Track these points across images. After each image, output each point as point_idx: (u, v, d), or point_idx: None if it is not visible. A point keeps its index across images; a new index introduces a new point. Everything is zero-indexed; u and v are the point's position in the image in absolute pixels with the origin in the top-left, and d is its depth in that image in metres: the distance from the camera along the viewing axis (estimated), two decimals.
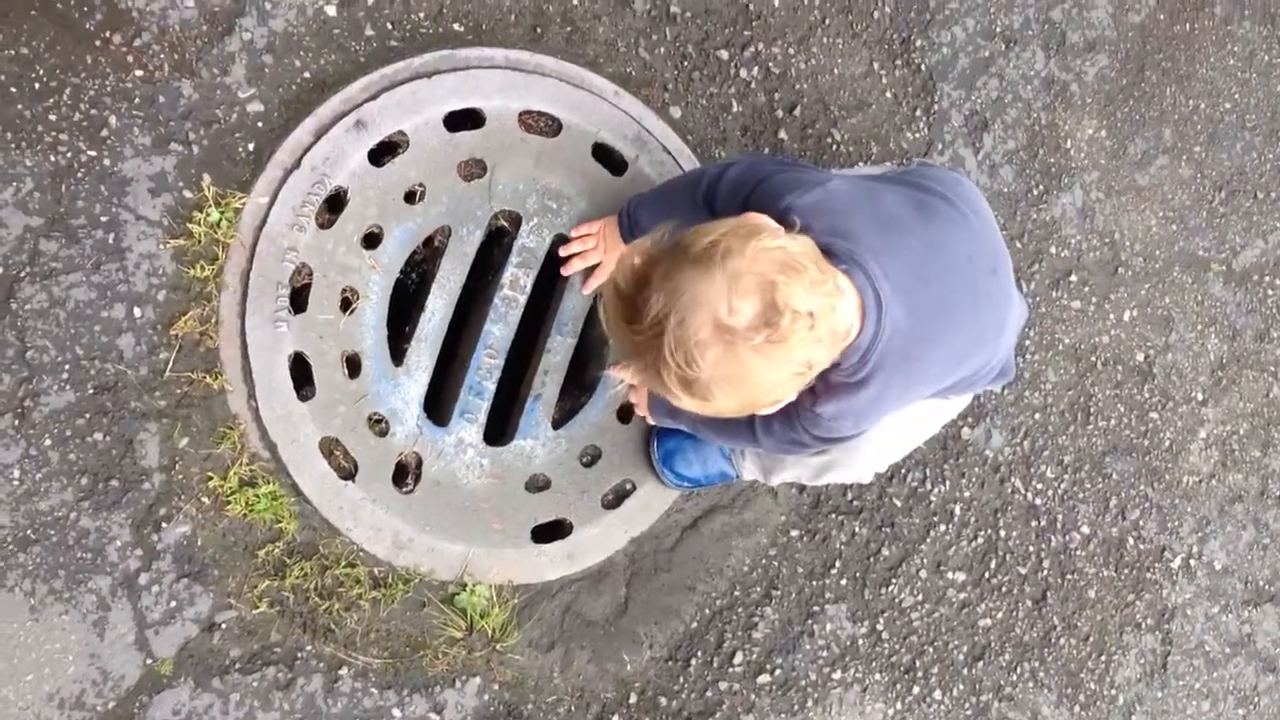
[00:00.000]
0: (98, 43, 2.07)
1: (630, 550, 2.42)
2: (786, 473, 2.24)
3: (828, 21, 2.57)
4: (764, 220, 1.57)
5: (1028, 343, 2.73)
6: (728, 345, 1.46)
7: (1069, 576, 2.71)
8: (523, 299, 2.35)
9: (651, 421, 2.31)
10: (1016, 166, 2.72)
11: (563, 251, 2.33)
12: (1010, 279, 1.89)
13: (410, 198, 2.28)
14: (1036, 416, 2.74)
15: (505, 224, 2.37)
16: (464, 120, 2.32)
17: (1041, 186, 2.74)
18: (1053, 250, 2.75)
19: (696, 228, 1.54)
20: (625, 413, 2.43)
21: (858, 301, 1.59)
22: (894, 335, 1.63)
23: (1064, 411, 2.77)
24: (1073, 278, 2.77)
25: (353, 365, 2.24)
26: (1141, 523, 2.80)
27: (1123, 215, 2.82)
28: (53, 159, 2.04)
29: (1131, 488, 2.79)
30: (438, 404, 2.34)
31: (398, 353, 2.27)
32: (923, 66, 2.64)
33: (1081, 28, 2.77)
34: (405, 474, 2.29)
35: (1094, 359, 2.79)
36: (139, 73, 2.10)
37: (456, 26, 2.32)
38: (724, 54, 2.50)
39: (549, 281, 2.42)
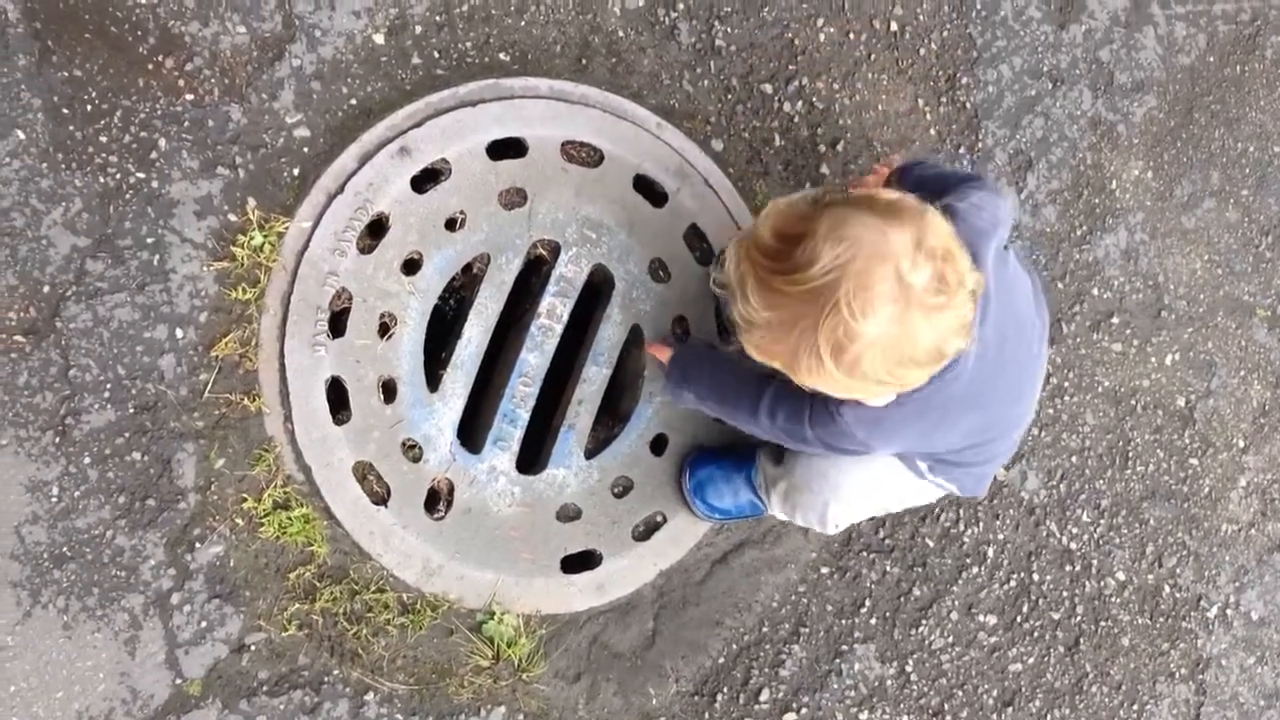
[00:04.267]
0: (150, 66, 2.11)
1: (659, 583, 2.43)
2: (776, 499, 2.26)
3: (873, 57, 2.58)
4: None
5: (1065, 384, 2.72)
6: (903, 303, 1.45)
7: (1103, 623, 2.70)
8: (559, 328, 2.37)
9: (665, 359, 2.32)
10: (1060, 206, 2.71)
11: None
12: (1037, 391, 1.91)
13: (451, 225, 2.30)
14: (1073, 459, 2.73)
15: (544, 253, 2.39)
16: (507, 149, 2.35)
17: (1085, 227, 2.73)
18: (1095, 291, 2.74)
19: (865, 189, 1.53)
20: (658, 444, 2.44)
21: None
22: (958, 376, 1.63)
23: (1102, 455, 2.75)
24: (1114, 320, 2.76)
25: (389, 390, 2.26)
26: (1178, 570, 2.77)
27: (1167, 258, 2.80)
28: (102, 180, 2.08)
29: (1169, 534, 2.77)
30: (471, 431, 2.36)
31: (433, 379, 2.30)
32: (968, 104, 2.65)
33: (1130, 68, 2.76)
34: (437, 500, 2.31)
35: (1134, 403, 2.77)
36: (189, 97, 2.14)
37: (503, 56, 2.34)
38: (768, 88, 2.52)
39: (586, 311, 2.43)
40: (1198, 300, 2.81)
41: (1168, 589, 2.76)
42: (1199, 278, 2.82)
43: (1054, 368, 2.69)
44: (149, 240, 2.10)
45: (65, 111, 2.06)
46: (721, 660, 2.45)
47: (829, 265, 1.44)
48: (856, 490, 2.04)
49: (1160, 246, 2.80)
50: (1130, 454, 2.78)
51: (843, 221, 1.46)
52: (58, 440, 2.04)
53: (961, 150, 2.64)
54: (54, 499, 2.04)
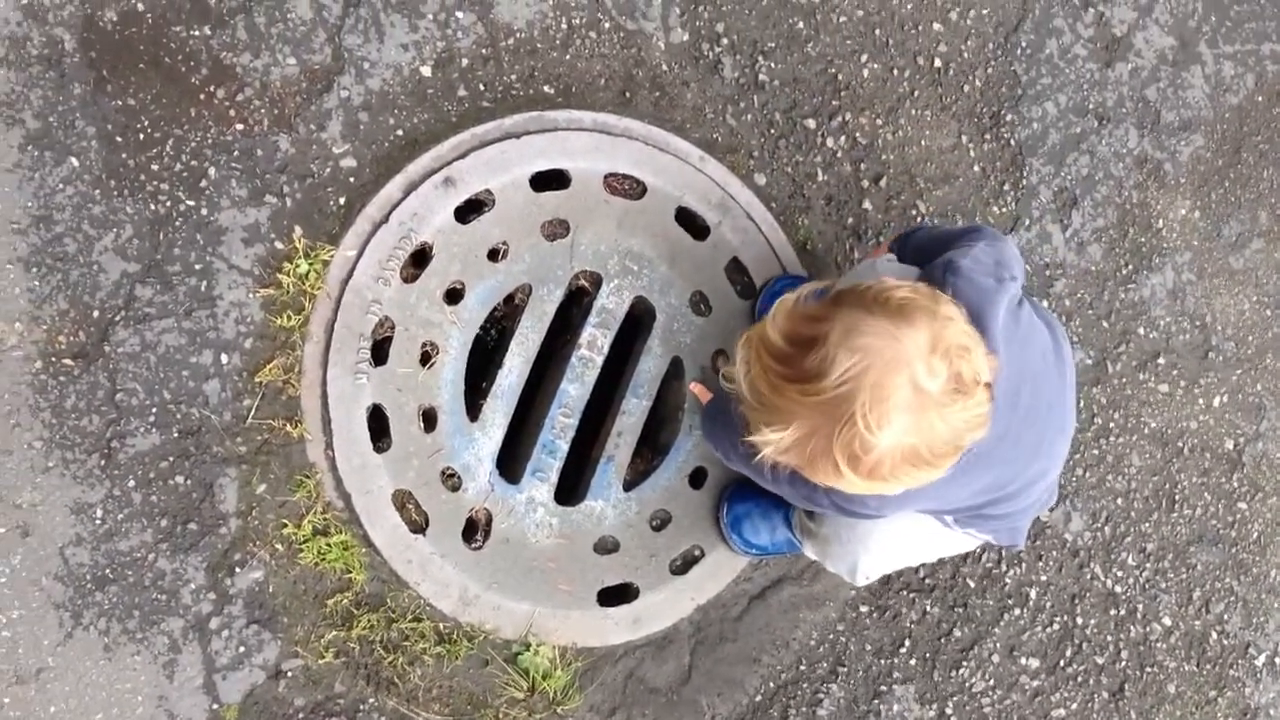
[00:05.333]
0: (202, 96, 2.16)
1: (696, 618, 2.42)
2: (809, 545, 2.24)
3: (917, 94, 2.58)
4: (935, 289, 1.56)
5: (1111, 424, 2.69)
6: (919, 410, 1.43)
7: (1148, 669, 2.65)
8: (600, 359, 2.37)
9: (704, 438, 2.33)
10: (1105, 245, 2.69)
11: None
12: (1064, 454, 1.88)
13: (493, 255, 2.32)
14: (1119, 501, 2.69)
15: (586, 284, 2.40)
16: (550, 181, 2.37)
17: (1131, 266, 2.71)
18: (1141, 331, 2.71)
19: (877, 282, 1.50)
20: (697, 478, 2.43)
21: None
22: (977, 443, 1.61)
23: (1148, 498, 2.71)
24: (1161, 360, 2.72)
25: (429, 419, 2.27)
26: (1226, 617, 2.72)
27: (1215, 298, 2.77)
28: (153, 207, 2.11)
29: (1216, 580, 2.72)
30: (511, 461, 2.37)
31: (474, 408, 2.31)
32: (1012, 141, 2.64)
33: (1177, 107, 2.75)
34: (475, 530, 2.31)
35: (1181, 445, 2.73)
36: (239, 126, 2.17)
37: (547, 89, 2.37)
38: (811, 122, 2.52)
39: (627, 343, 2.44)
40: (1246, 341, 2.78)
41: (1215, 635, 2.71)
42: (1247, 319, 2.78)
43: (1099, 408, 2.66)
44: (197, 267, 2.13)
45: (118, 140, 2.10)
46: (759, 698, 2.43)
47: (843, 376, 1.41)
48: (886, 544, 2.02)
49: (1208, 287, 2.77)
50: (1177, 497, 2.73)
51: (855, 328, 1.43)
52: (103, 463, 2.07)
53: (1005, 187, 2.63)
54: (98, 521, 2.06)
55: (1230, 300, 2.78)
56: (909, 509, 1.82)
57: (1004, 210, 2.63)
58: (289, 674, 2.15)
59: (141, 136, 2.12)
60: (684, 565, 2.43)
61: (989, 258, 1.74)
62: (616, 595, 2.38)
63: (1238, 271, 2.78)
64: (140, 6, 2.12)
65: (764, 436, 1.50)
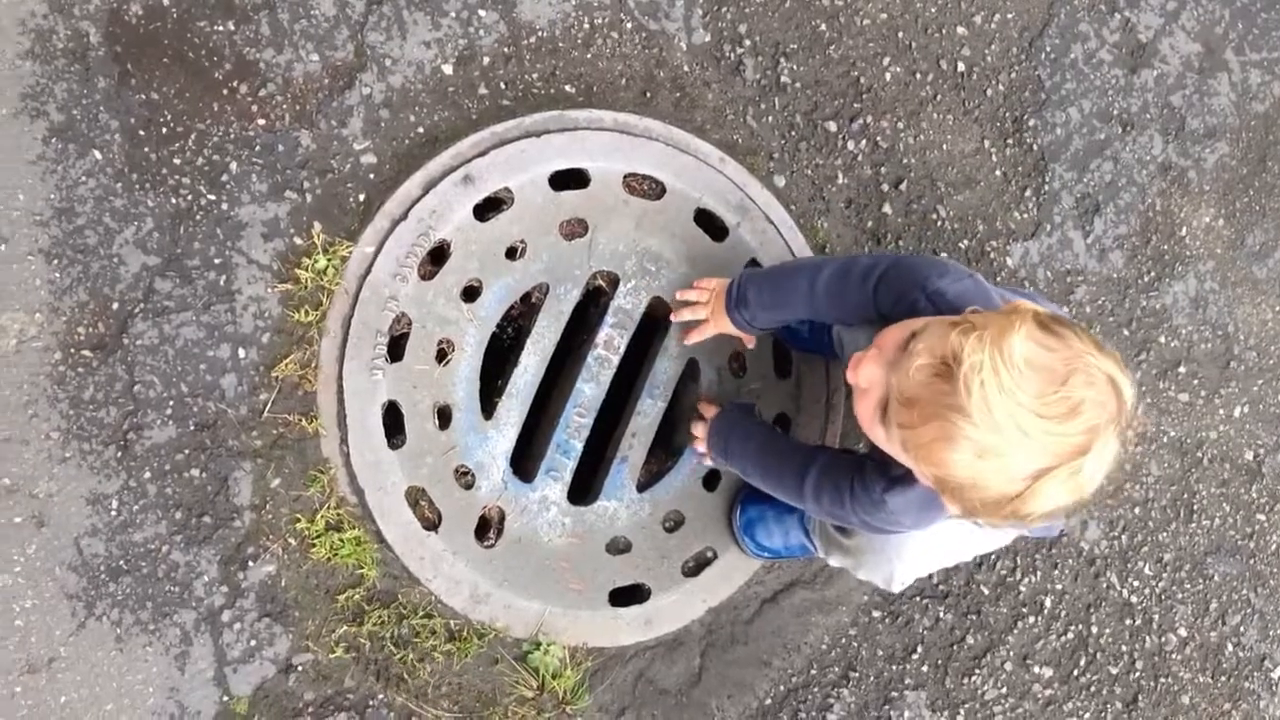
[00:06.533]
0: (225, 91, 2.16)
1: (707, 620, 2.41)
2: (836, 555, 2.21)
3: (939, 98, 2.56)
4: None
5: (1129, 433, 2.65)
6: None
7: (1163, 680, 2.62)
8: (616, 359, 2.36)
9: (709, 462, 2.31)
10: (1127, 252, 2.66)
11: (679, 295, 2.32)
12: None
13: (511, 254, 2.31)
14: (1136, 510, 2.66)
15: (603, 284, 2.40)
16: (569, 180, 2.36)
17: (1153, 273, 2.68)
18: (1162, 340, 2.68)
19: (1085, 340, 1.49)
20: (710, 480, 2.42)
21: None
22: None
23: (1165, 507, 2.69)
24: (1181, 369, 2.69)
25: (444, 416, 2.27)
26: (1242, 629, 2.69)
27: (1237, 307, 2.74)
28: (174, 201, 2.12)
29: (1234, 591, 2.69)
30: (524, 460, 2.36)
31: (489, 406, 2.30)
32: (1035, 146, 2.62)
33: (1202, 114, 2.72)
34: (488, 528, 2.31)
35: (1200, 454, 2.71)
36: (261, 122, 2.17)
37: (568, 88, 2.36)
38: (832, 125, 2.51)
39: (643, 343, 2.43)
40: (1268, 352, 2.74)
41: (1230, 647, 2.68)
42: (1270, 329, 2.75)
43: (1137, 418, 2.63)
44: (216, 261, 2.13)
45: (141, 133, 2.11)
46: (769, 701, 2.41)
47: (1087, 425, 1.41)
48: (920, 550, 1.99)
49: (1230, 296, 2.74)
50: (1195, 507, 2.71)
51: (1092, 375, 1.43)
52: (119, 455, 2.07)
53: (1027, 193, 2.60)
54: (113, 512, 2.06)
55: (1253, 310, 2.75)
56: (938, 523, 1.81)
57: (1025, 215, 2.61)
58: (299, 668, 2.15)
59: (164, 130, 2.12)
60: (696, 567, 2.42)
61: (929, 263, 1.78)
62: (628, 596, 2.37)
63: (1261, 281, 2.74)
64: (165, 1, 2.12)
65: (914, 426, 1.49)
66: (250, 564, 2.13)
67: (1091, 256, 2.64)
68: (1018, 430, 1.39)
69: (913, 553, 1.98)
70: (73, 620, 2.04)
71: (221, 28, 2.16)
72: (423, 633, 2.22)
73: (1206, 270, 2.72)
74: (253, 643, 2.13)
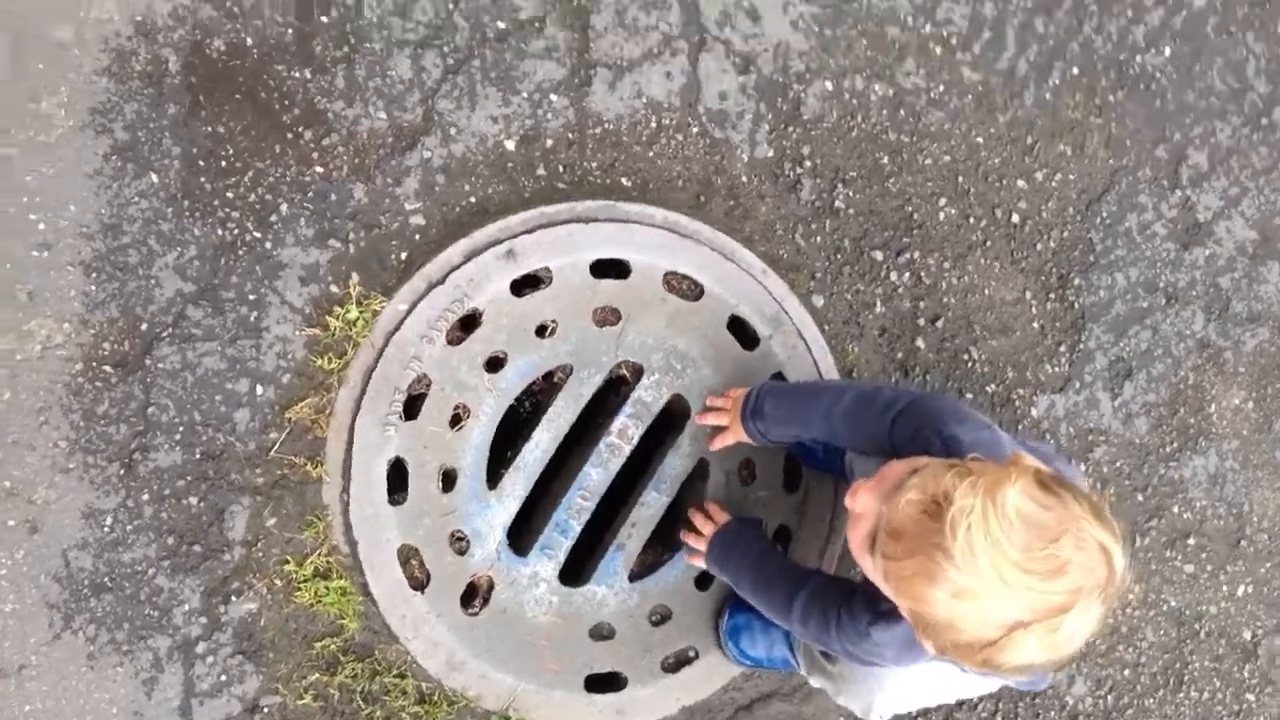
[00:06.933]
0: (289, 135, 2.01)
1: (681, 718, 2.18)
2: (818, 676, 2.03)
3: (989, 244, 2.34)
4: None
5: (1130, 596, 2.42)
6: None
7: None
8: (628, 449, 2.17)
9: (701, 563, 2.11)
10: (1153, 420, 2.42)
11: (708, 401, 2.16)
12: None
13: (541, 331, 2.13)
14: (1127, 673, 2.41)
15: (626, 374, 2.21)
16: (610, 269, 2.18)
17: (1176, 444, 2.43)
18: (1175, 509, 2.44)
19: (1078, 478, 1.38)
20: (703, 580, 2.22)
21: None
22: None
23: (1156, 674, 2.43)
24: (1191, 541, 2.44)
25: (448, 480, 2.08)
26: None
27: (1255, 489, 2.49)
28: (220, 233, 1.96)
29: None
30: (521, 534, 2.17)
31: (494, 477, 2.12)
32: (1076, 304, 2.39)
33: (1248, 299, 2.48)
34: (474, 596, 2.12)
35: (1198, 627, 2.45)
36: (319, 169, 2.02)
37: (625, 181, 2.18)
38: (878, 254, 2.30)
39: (657, 437, 2.24)
40: None
41: None
42: None
43: (1125, 590, 2.37)
44: (251, 297, 1.97)
45: (201, 163, 1.96)
46: None
47: (1071, 586, 1.29)
48: (903, 686, 1.82)
49: (1250, 477, 2.48)
50: (1186, 678, 2.45)
51: (1084, 539, 1.30)
52: (122, 473, 1.90)
53: (1061, 348, 2.37)
54: (106, 529, 1.90)
55: (1271, 494, 2.50)
56: (922, 662, 1.61)
57: (1056, 370, 2.38)
58: (265, 709, 1.96)
59: (223, 163, 1.97)
60: (676, 664, 2.21)
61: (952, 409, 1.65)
62: (604, 683, 2.17)
63: None
64: (249, 41, 1.98)
65: (900, 567, 1.36)
66: (233, 599, 1.95)
67: (1117, 419, 2.40)
68: (999, 579, 1.28)
69: (895, 687, 1.81)
70: (49, 630, 1.87)
71: (298, 74, 2.01)
72: (394, 691, 2.02)
73: (1230, 449, 2.47)
74: (223, 678, 1.95)
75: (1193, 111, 2.49)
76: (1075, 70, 2.44)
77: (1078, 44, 2.44)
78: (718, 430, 2.11)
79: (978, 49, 2.39)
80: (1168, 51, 2.50)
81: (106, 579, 1.89)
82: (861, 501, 1.47)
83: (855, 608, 1.66)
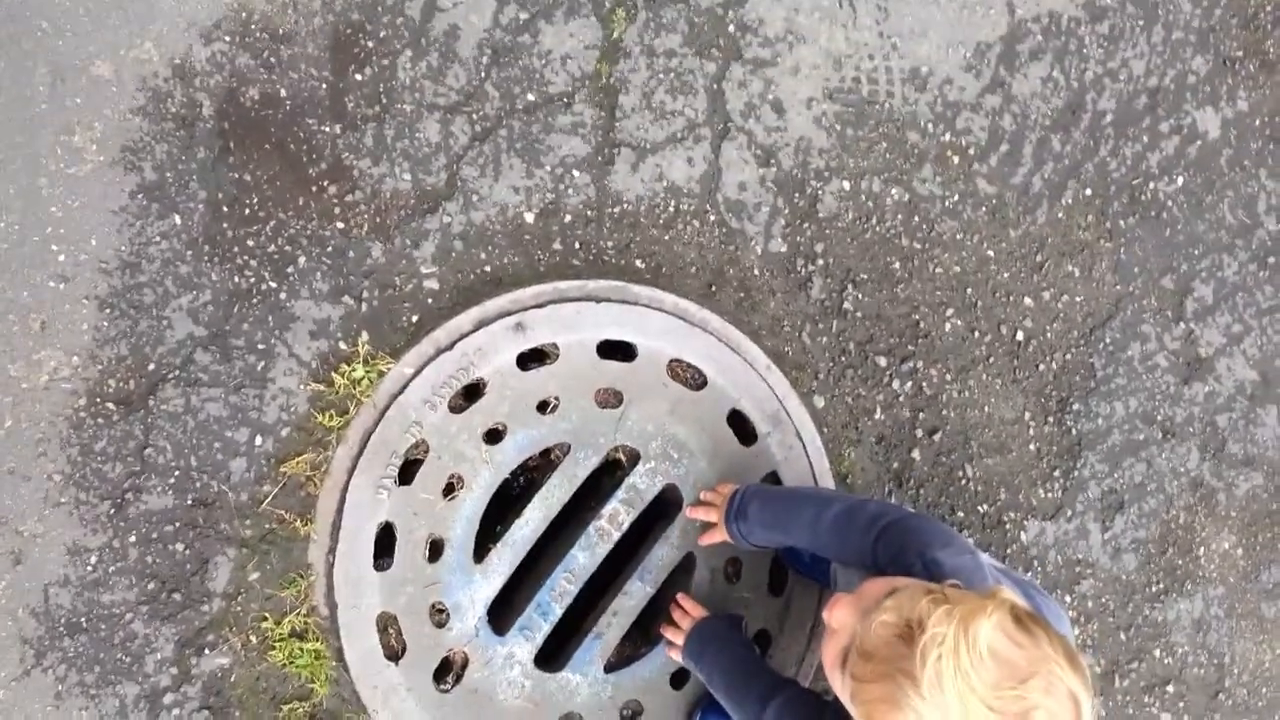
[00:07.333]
0: (314, 189, 2.31)
1: None
2: None
3: (992, 360, 2.70)
4: None
5: None
6: None
7: None
8: (616, 535, 2.45)
9: (677, 657, 2.35)
10: (1142, 557, 2.76)
11: (702, 495, 2.42)
12: None
13: (543, 407, 2.42)
14: None
15: (622, 458, 2.50)
16: (616, 350, 2.49)
17: (1162, 585, 2.77)
18: (1157, 653, 2.76)
19: (1057, 623, 1.54)
20: (679, 678, 2.48)
21: None
22: None
23: None
24: (1169, 688, 2.77)
25: (435, 550, 2.35)
26: None
27: (1238, 640, 2.82)
28: (236, 280, 2.25)
29: None
30: (502, 611, 2.43)
31: (481, 550, 2.38)
32: (1074, 430, 2.74)
33: (1244, 441, 2.85)
34: (448, 671, 2.37)
35: None
36: (340, 225, 2.32)
37: (639, 263, 2.51)
38: (882, 360, 2.64)
39: (646, 526, 2.52)
40: (1259, 693, 2.82)
41: None
42: (1266, 670, 2.82)
43: (1098, 719, 2.69)
44: (260, 346, 2.25)
45: (225, 209, 2.25)
46: None
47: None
48: None
49: (1234, 627, 2.82)
50: None
51: (1053, 685, 1.44)
52: (112, 512, 2.16)
53: (1056, 474, 2.72)
54: (89, 567, 2.14)
55: (1253, 646, 2.83)
56: None
57: (1049, 496, 2.72)
58: None
59: (247, 211, 2.27)
60: None
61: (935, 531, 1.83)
62: None
63: (1268, 620, 2.83)
64: (283, 93, 2.29)
65: (866, 690, 1.51)
66: (206, 651, 2.20)
67: (1105, 553, 2.74)
68: (963, 714, 1.41)
69: None
70: (19, 665, 2.10)
71: (328, 129, 2.32)
72: None
73: (1215, 595, 2.81)
74: None
75: (1201, 243, 2.88)
76: (1088, 191, 2.82)
77: (1093, 165, 2.83)
78: (708, 525, 2.38)
79: (994, 161, 2.76)
80: (1180, 181, 2.89)
81: (83, 619, 2.14)
82: (838, 617, 1.65)
83: None
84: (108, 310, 2.17)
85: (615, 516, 2.45)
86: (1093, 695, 1.50)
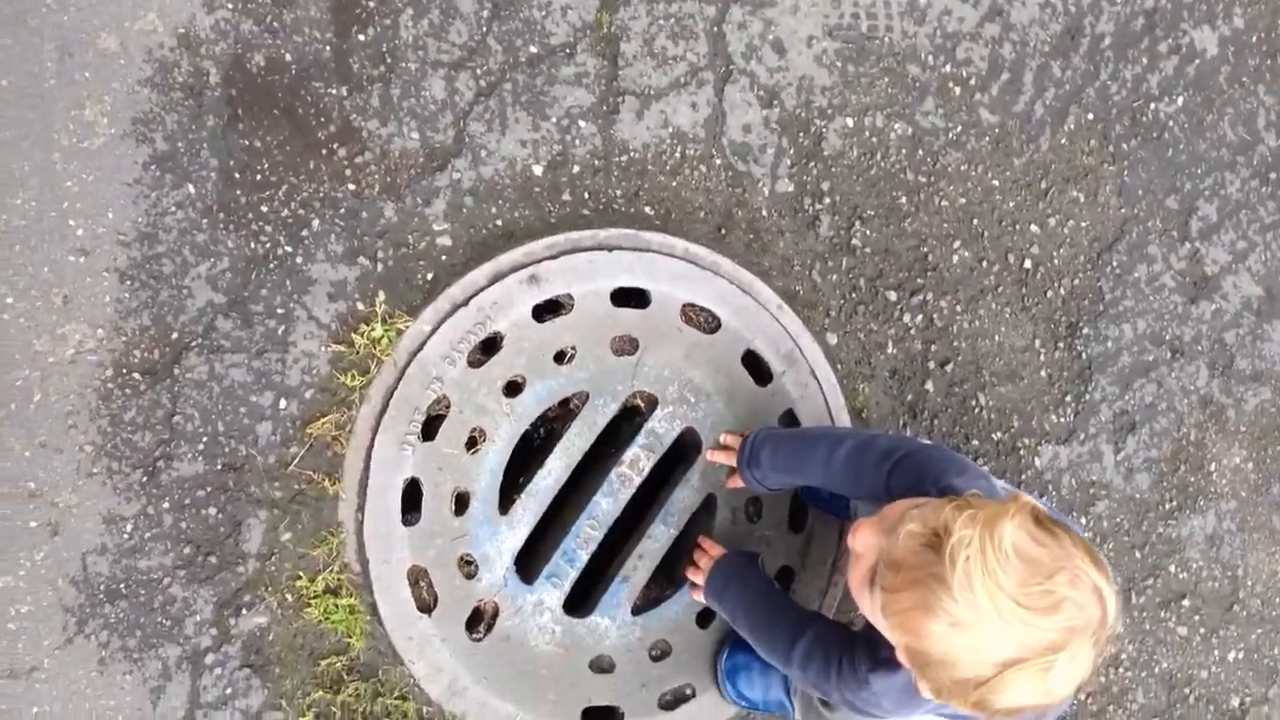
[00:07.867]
0: (324, 151, 2.32)
1: None
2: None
3: (1001, 289, 2.73)
4: None
5: (1123, 656, 2.78)
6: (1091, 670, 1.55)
7: None
8: (638, 480, 2.50)
9: (700, 598, 2.40)
10: (1154, 476, 2.81)
11: (722, 438, 2.46)
12: None
13: (560, 358, 2.46)
14: None
15: (640, 404, 2.54)
16: (630, 297, 2.51)
17: (1175, 502, 2.82)
18: (1171, 569, 2.82)
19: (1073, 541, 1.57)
20: (704, 617, 2.53)
21: None
22: None
23: None
24: (1185, 603, 2.82)
25: (461, 503, 2.40)
26: None
27: (1250, 552, 2.87)
28: (252, 246, 2.27)
29: None
30: (529, 560, 2.48)
31: (506, 502, 2.43)
32: (1084, 354, 2.77)
33: (1252, 357, 2.88)
34: (479, 620, 2.42)
35: (1188, 691, 2.82)
36: (351, 186, 2.34)
37: (648, 210, 2.53)
38: (892, 295, 2.67)
39: (667, 469, 2.56)
40: (1273, 603, 2.87)
41: None
42: (1279, 581, 2.88)
43: (1115, 637, 2.75)
44: (279, 311, 2.28)
45: (237, 176, 2.27)
46: None
47: (1064, 625, 1.48)
48: None
49: (1246, 540, 2.87)
50: None
51: (1079, 577, 1.50)
52: (145, 480, 2.20)
53: (1068, 398, 2.76)
54: (126, 535, 2.19)
55: (1265, 558, 2.89)
56: (919, 713, 1.91)
57: (1061, 420, 2.76)
58: None
59: (259, 177, 2.28)
60: (673, 701, 2.52)
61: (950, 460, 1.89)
62: (601, 717, 2.47)
63: (1279, 532, 2.89)
64: (288, 57, 2.30)
65: (898, 598, 1.56)
66: (244, 612, 2.25)
67: (1118, 473, 2.79)
68: (995, 613, 1.46)
69: None
70: (62, 634, 2.16)
71: (334, 91, 2.33)
72: (394, 714, 2.33)
73: (1228, 510, 2.86)
74: (229, 690, 2.24)
75: (1204, 162, 2.90)
76: (1090, 116, 2.83)
77: (1093, 90, 2.84)
78: (731, 469, 2.40)
79: (995, 91, 2.77)
80: (1180, 101, 2.90)
81: (122, 585, 2.19)
82: (862, 539, 1.70)
83: (857, 655, 1.90)
84: (128, 282, 2.20)
85: (636, 462, 2.49)
86: (1114, 587, 1.54)
